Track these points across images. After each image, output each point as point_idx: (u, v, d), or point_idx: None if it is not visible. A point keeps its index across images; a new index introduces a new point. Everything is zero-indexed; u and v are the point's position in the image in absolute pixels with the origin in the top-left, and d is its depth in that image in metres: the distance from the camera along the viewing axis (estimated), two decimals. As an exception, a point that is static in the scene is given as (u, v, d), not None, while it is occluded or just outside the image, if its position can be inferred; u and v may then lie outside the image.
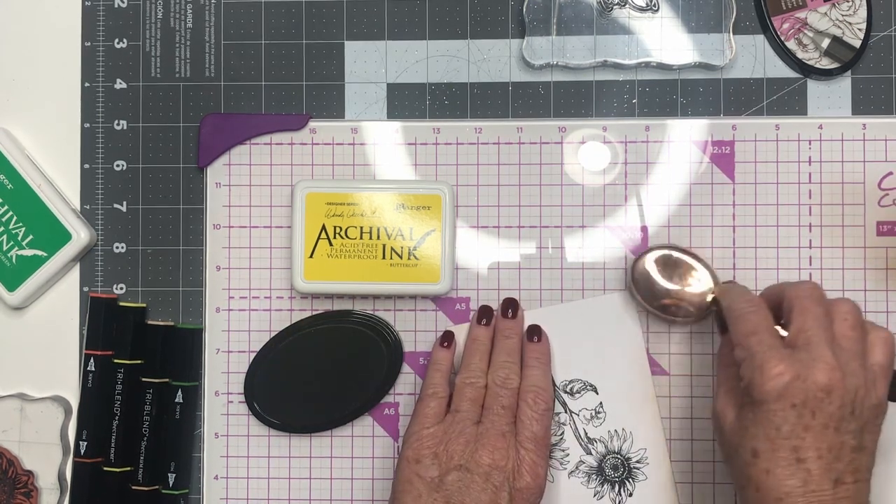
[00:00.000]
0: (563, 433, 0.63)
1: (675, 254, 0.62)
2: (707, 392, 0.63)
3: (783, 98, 0.64)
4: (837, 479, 0.51)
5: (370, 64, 0.65)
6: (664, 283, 0.61)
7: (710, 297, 0.60)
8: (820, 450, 0.51)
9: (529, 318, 0.63)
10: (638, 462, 0.62)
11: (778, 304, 0.56)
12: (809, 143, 0.64)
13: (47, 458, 0.63)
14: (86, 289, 0.65)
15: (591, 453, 0.63)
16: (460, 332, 0.63)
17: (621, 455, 0.63)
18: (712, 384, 0.63)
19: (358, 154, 0.65)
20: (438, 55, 0.65)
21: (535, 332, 0.62)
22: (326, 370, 0.63)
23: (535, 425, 0.58)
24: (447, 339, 0.63)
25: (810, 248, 0.63)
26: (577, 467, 0.63)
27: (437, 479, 0.57)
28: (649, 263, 0.62)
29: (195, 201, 0.65)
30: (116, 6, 0.66)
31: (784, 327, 0.55)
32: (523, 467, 0.57)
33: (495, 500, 0.56)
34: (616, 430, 0.63)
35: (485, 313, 0.63)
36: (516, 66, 0.65)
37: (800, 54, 0.64)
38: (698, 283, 0.61)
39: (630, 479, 0.62)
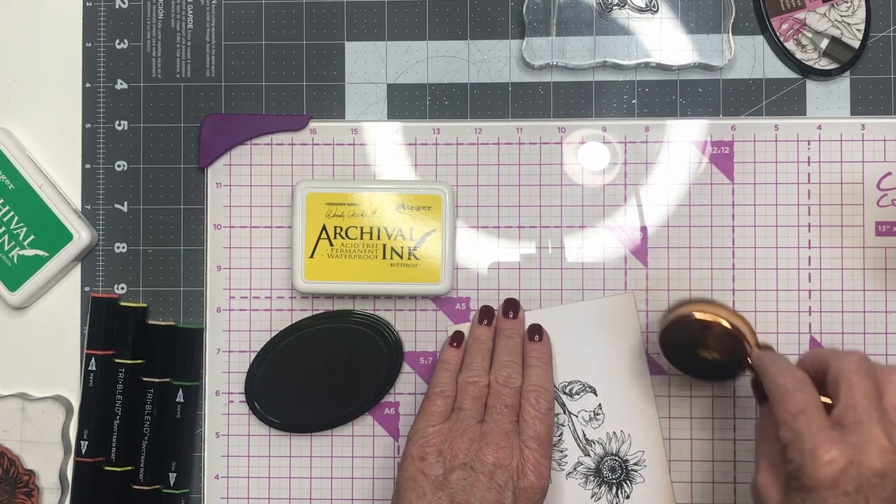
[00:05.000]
0: (561, 434, 0.63)
1: (707, 317, 0.58)
2: (706, 391, 0.63)
3: (782, 98, 0.64)
4: None
5: (370, 64, 0.65)
6: (694, 350, 0.59)
7: (747, 358, 0.57)
8: None
9: (530, 318, 0.63)
10: (636, 464, 0.63)
11: (822, 373, 0.53)
12: (808, 144, 0.64)
13: (48, 458, 0.64)
14: (87, 289, 0.65)
15: (589, 455, 0.63)
16: (462, 330, 0.63)
17: (619, 457, 0.63)
18: (711, 384, 0.63)
19: (358, 154, 0.65)
20: (438, 56, 0.65)
21: (536, 331, 0.62)
22: (327, 370, 0.64)
23: (538, 424, 0.58)
24: (457, 338, 0.63)
25: (809, 248, 0.63)
26: (575, 468, 0.63)
27: (442, 476, 0.57)
28: (677, 329, 0.58)
29: (196, 201, 0.65)
30: (117, 7, 0.66)
31: (829, 397, 0.52)
32: (527, 466, 0.57)
33: (500, 499, 0.56)
34: (614, 432, 0.63)
35: (486, 313, 0.63)
36: (516, 67, 0.65)
37: (799, 55, 0.64)
38: (731, 350, 0.58)
39: (628, 481, 0.63)
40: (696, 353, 0.59)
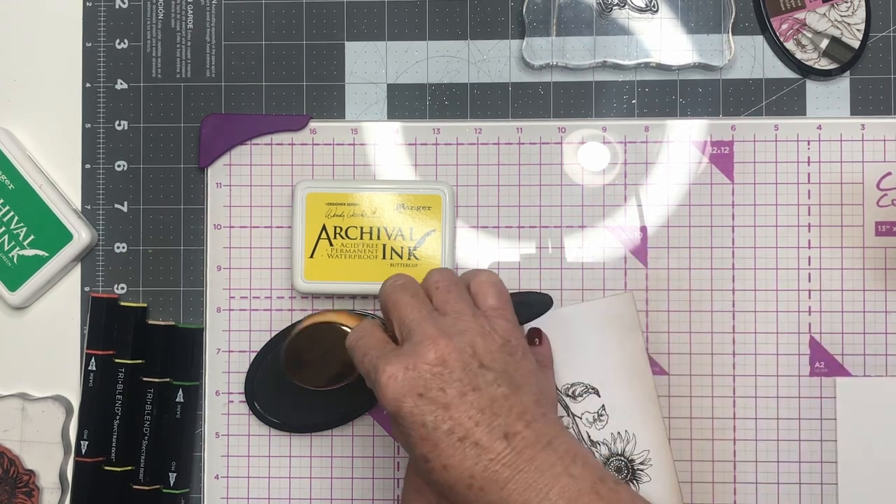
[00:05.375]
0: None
1: (316, 324, 0.60)
2: (706, 392, 0.63)
3: (782, 98, 0.64)
4: (507, 433, 0.48)
5: (370, 64, 0.65)
6: (316, 356, 0.60)
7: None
8: (473, 417, 0.48)
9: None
10: (642, 464, 0.63)
11: (385, 313, 0.54)
12: (808, 144, 0.64)
13: (48, 458, 0.64)
14: (87, 289, 0.65)
15: (594, 456, 0.63)
16: None
17: (625, 457, 0.63)
18: (711, 384, 0.63)
19: (358, 154, 0.65)
20: (438, 56, 0.65)
21: (535, 335, 0.62)
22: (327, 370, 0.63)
23: None
24: None
25: (809, 248, 0.63)
26: None
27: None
28: (292, 342, 0.60)
29: (196, 201, 0.65)
30: (117, 7, 0.66)
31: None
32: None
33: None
34: (619, 433, 0.63)
35: None
36: (516, 67, 0.65)
37: (799, 55, 0.64)
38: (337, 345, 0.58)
39: (634, 481, 0.63)
40: (323, 367, 0.60)
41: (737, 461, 0.63)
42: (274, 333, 0.64)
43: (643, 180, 0.64)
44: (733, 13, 0.64)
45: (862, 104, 0.64)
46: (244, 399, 0.64)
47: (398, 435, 0.51)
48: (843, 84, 0.64)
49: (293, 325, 0.62)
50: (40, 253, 0.64)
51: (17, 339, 0.65)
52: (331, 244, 0.62)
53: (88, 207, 0.66)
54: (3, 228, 0.64)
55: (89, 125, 0.66)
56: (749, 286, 0.63)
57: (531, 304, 0.57)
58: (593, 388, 0.63)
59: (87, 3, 0.66)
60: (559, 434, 0.49)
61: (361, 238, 0.62)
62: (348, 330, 0.58)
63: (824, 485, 0.62)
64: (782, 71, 0.64)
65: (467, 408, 0.48)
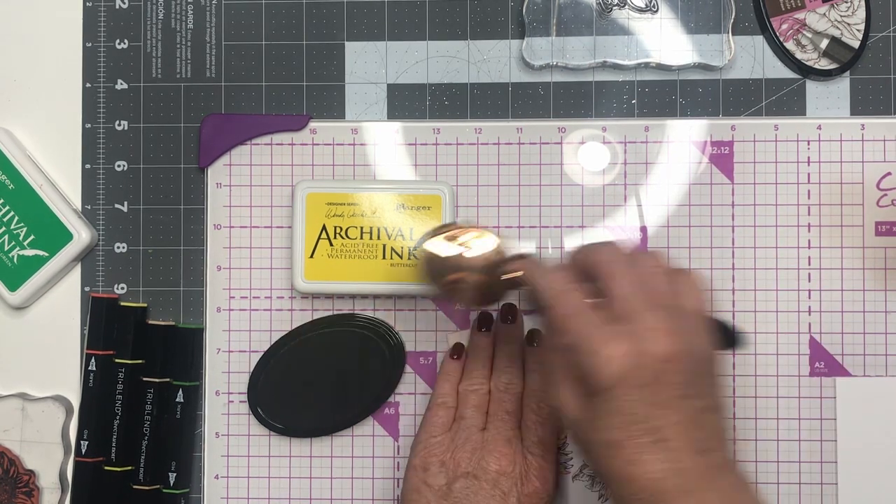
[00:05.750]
0: (565, 437, 0.63)
1: (453, 233, 0.55)
2: (706, 392, 0.63)
3: (782, 98, 0.64)
4: (703, 448, 0.47)
5: (370, 64, 0.65)
6: (449, 270, 0.56)
7: (504, 274, 0.54)
8: (678, 423, 0.46)
9: (529, 322, 0.63)
10: None
11: (586, 271, 0.51)
12: (808, 144, 0.64)
13: (48, 458, 0.64)
14: (87, 289, 0.65)
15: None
16: (462, 338, 0.63)
17: None
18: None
19: (358, 154, 0.65)
20: (438, 56, 0.65)
21: (535, 336, 0.62)
22: (329, 374, 0.63)
23: (540, 430, 0.58)
24: (457, 351, 0.62)
25: (809, 248, 0.63)
26: (581, 471, 0.63)
27: (445, 486, 0.57)
28: (428, 252, 0.56)
29: (196, 201, 0.65)
30: (117, 7, 0.66)
31: (598, 295, 0.50)
32: (531, 472, 0.57)
33: None
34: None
35: (484, 320, 0.63)
36: (516, 67, 0.65)
37: (798, 55, 0.64)
38: (485, 261, 0.55)
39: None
40: (456, 278, 0.56)
41: (737, 461, 0.63)
42: (274, 333, 0.64)
43: (643, 180, 0.64)
44: (733, 13, 0.64)
45: (862, 104, 0.64)
46: (244, 399, 0.64)
47: (583, 404, 0.48)
48: (842, 84, 0.64)
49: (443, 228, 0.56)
50: (40, 253, 0.64)
51: (17, 339, 0.65)
52: (331, 244, 0.62)
53: (88, 207, 0.66)
54: (3, 228, 0.64)
55: (89, 125, 0.66)
56: (749, 286, 0.63)
57: (725, 333, 0.54)
58: (593, 388, 0.63)
59: (87, 4, 0.66)
60: (736, 465, 0.48)
61: (361, 238, 0.62)
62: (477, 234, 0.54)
63: (824, 485, 0.62)
64: (782, 71, 0.64)
65: (676, 413, 0.46)
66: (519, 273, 0.53)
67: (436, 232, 0.57)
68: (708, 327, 0.50)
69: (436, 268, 0.56)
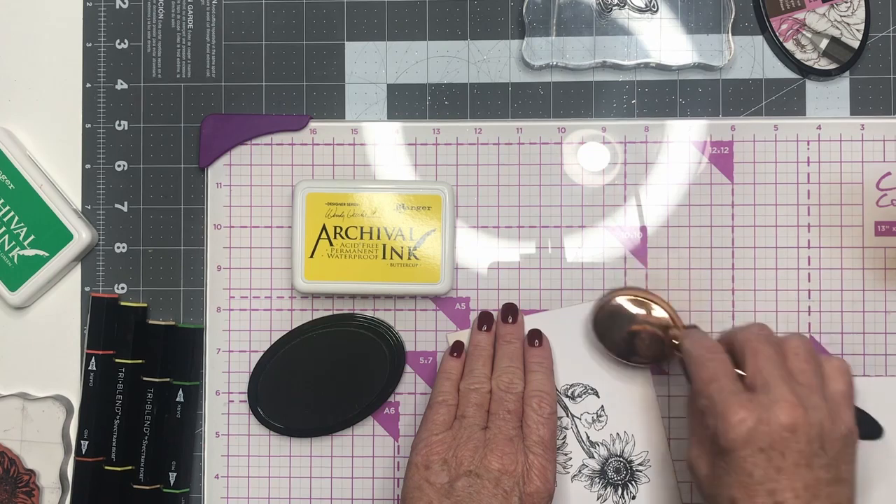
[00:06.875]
0: (565, 437, 0.63)
1: (640, 297, 0.61)
2: (706, 391, 0.63)
3: (782, 99, 0.64)
4: None
5: (370, 64, 0.65)
6: (628, 323, 0.61)
7: (673, 338, 0.60)
8: (796, 489, 0.50)
9: (529, 322, 0.63)
10: (640, 465, 0.63)
11: (737, 348, 0.56)
12: (808, 144, 0.64)
13: (49, 458, 0.64)
14: (87, 288, 0.65)
15: (593, 457, 0.63)
16: (462, 338, 0.63)
17: (624, 458, 0.63)
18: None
19: (358, 154, 0.65)
20: (438, 56, 0.65)
21: (535, 336, 0.62)
22: (329, 374, 0.64)
23: (541, 429, 0.58)
24: (457, 348, 0.63)
25: (809, 248, 0.64)
26: (580, 471, 0.63)
27: (447, 485, 0.57)
28: (615, 304, 0.61)
29: (196, 201, 0.65)
30: (118, 7, 0.66)
31: (743, 369, 0.55)
32: (532, 472, 0.57)
33: None
34: (618, 433, 0.63)
35: (485, 319, 0.63)
36: (516, 67, 0.65)
37: (798, 55, 0.64)
38: (660, 324, 0.61)
39: (633, 482, 0.63)
40: (628, 337, 0.61)
41: None
42: (274, 333, 0.64)
43: (643, 180, 0.64)
44: (733, 13, 0.64)
45: (861, 104, 0.64)
46: (244, 399, 0.64)
47: (711, 462, 0.53)
48: (842, 84, 0.64)
49: (605, 300, 0.62)
50: (40, 253, 0.64)
51: (17, 339, 0.65)
52: (331, 244, 0.62)
53: (88, 207, 0.66)
54: (4, 228, 0.64)
55: (89, 125, 0.66)
56: (749, 286, 0.63)
57: (864, 423, 0.58)
58: (592, 389, 0.63)
59: (88, 4, 0.66)
60: None
61: (361, 238, 0.62)
62: (656, 309, 0.61)
63: (824, 484, 0.62)
64: (782, 71, 0.64)
65: (795, 479, 0.51)
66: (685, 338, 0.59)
67: (619, 292, 0.62)
68: (852, 405, 0.54)
69: (618, 321, 0.61)
